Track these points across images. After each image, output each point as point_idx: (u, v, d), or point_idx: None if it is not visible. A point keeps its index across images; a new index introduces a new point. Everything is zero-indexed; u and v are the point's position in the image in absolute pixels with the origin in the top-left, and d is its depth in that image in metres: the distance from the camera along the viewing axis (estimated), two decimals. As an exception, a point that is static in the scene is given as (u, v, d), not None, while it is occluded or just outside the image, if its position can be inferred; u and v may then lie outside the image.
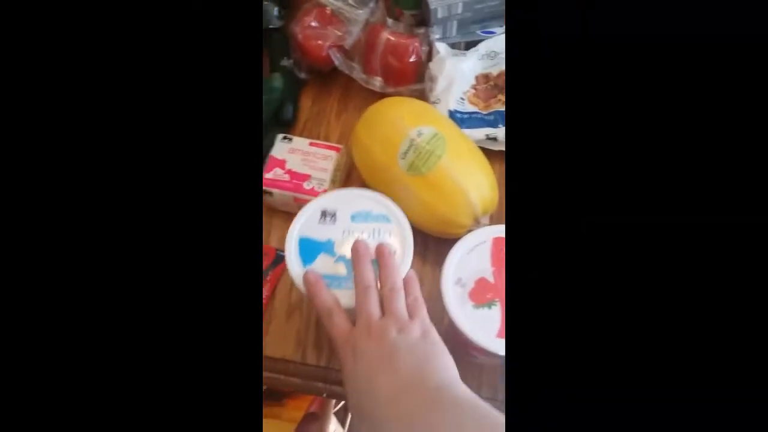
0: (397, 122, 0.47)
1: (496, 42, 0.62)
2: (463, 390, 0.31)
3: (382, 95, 0.57)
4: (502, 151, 0.55)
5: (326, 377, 0.46)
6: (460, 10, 0.61)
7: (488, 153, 0.54)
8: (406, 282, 0.36)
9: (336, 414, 0.93)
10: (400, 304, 0.34)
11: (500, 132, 0.55)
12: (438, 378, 0.31)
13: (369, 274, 0.36)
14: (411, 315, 0.34)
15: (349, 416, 0.97)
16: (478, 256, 0.39)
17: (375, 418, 0.30)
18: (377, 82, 0.59)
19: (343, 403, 0.89)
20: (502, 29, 0.64)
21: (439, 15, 0.60)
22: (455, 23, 0.62)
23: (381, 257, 0.37)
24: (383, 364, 0.31)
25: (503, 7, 0.64)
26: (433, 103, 0.57)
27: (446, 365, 0.32)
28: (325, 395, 0.47)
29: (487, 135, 0.55)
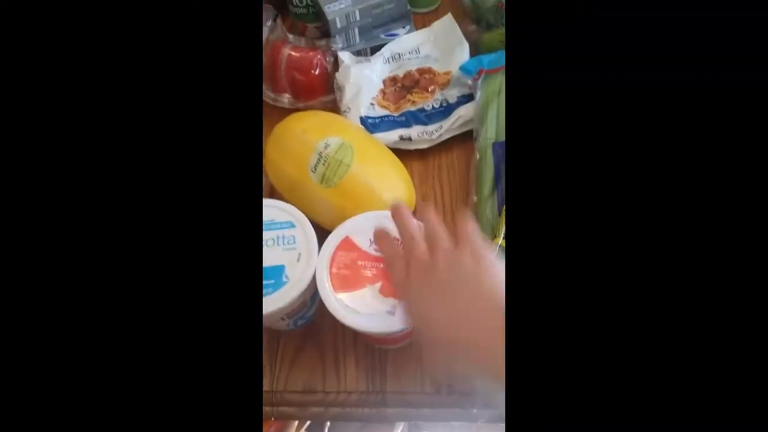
0: (304, 137, 0.47)
1: (399, 44, 0.64)
2: None
3: (295, 111, 0.57)
4: (417, 149, 0.56)
5: (272, 401, 0.46)
6: (358, 17, 0.62)
7: (404, 153, 0.56)
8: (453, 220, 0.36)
9: (309, 430, 0.92)
10: (444, 240, 0.34)
11: (413, 131, 0.56)
12: (494, 299, 0.30)
13: (412, 223, 0.37)
14: (458, 243, 0.34)
15: (327, 427, 0.96)
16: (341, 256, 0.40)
17: (438, 341, 0.31)
18: (285, 100, 0.59)
19: (309, 423, 0.88)
20: (405, 30, 0.66)
21: (338, 25, 0.61)
22: (356, 30, 0.63)
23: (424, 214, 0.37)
24: (438, 297, 0.32)
25: (403, 9, 0.66)
26: (344, 112, 0.57)
27: (500, 283, 0.31)
28: (273, 418, 0.47)
29: (400, 136, 0.56)
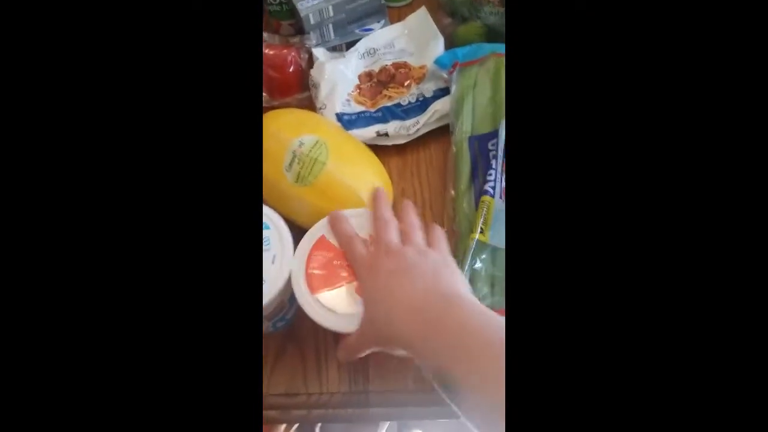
0: (277, 135, 0.47)
1: (374, 39, 0.63)
2: (474, 299, 0.32)
3: (270, 109, 0.56)
4: (395, 145, 0.56)
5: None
6: (331, 13, 0.61)
7: (381, 149, 0.55)
8: (426, 224, 0.38)
9: (299, 431, 0.92)
10: (419, 235, 0.36)
11: (390, 127, 0.55)
12: (454, 287, 0.32)
13: (388, 211, 0.38)
14: (430, 245, 0.36)
15: (318, 428, 0.96)
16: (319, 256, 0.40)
17: (394, 326, 0.32)
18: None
19: (297, 426, 0.88)
20: (380, 25, 0.65)
21: (312, 21, 0.60)
22: (330, 27, 0.62)
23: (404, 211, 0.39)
24: (402, 277, 0.33)
25: (377, 3, 0.65)
26: (320, 109, 0.57)
27: (461, 279, 0.34)
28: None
29: (377, 132, 0.55)
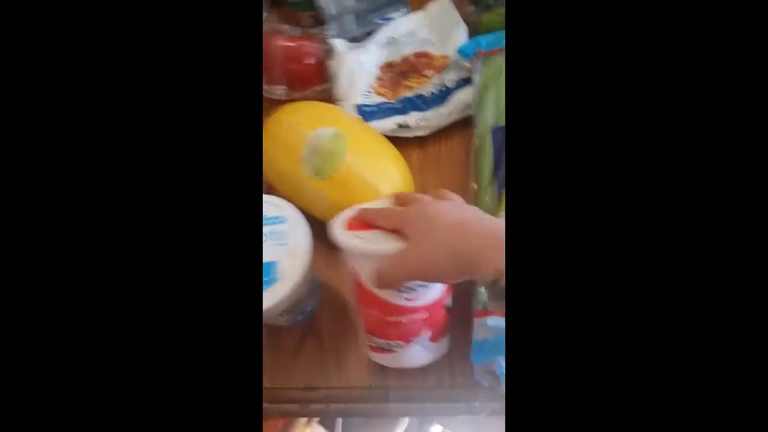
0: (296, 128, 0.46)
1: (395, 28, 0.62)
2: None
3: (289, 101, 0.55)
4: (416, 137, 0.55)
5: (273, 398, 0.45)
6: (352, 2, 0.60)
7: (403, 142, 0.54)
8: None
9: (321, 422, 0.92)
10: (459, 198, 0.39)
11: (411, 118, 0.54)
12: (496, 221, 0.34)
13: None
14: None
15: (340, 422, 0.97)
16: None
17: (445, 249, 0.33)
18: (280, 91, 0.58)
19: (317, 420, 0.88)
20: (401, 13, 0.64)
21: (332, 11, 0.59)
22: (352, 17, 0.61)
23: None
24: (444, 215, 0.35)
25: (399, -9, 0.63)
26: (339, 101, 0.56)
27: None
28: (277, 416, 0.47)
29: (398, 123, 0.54)
